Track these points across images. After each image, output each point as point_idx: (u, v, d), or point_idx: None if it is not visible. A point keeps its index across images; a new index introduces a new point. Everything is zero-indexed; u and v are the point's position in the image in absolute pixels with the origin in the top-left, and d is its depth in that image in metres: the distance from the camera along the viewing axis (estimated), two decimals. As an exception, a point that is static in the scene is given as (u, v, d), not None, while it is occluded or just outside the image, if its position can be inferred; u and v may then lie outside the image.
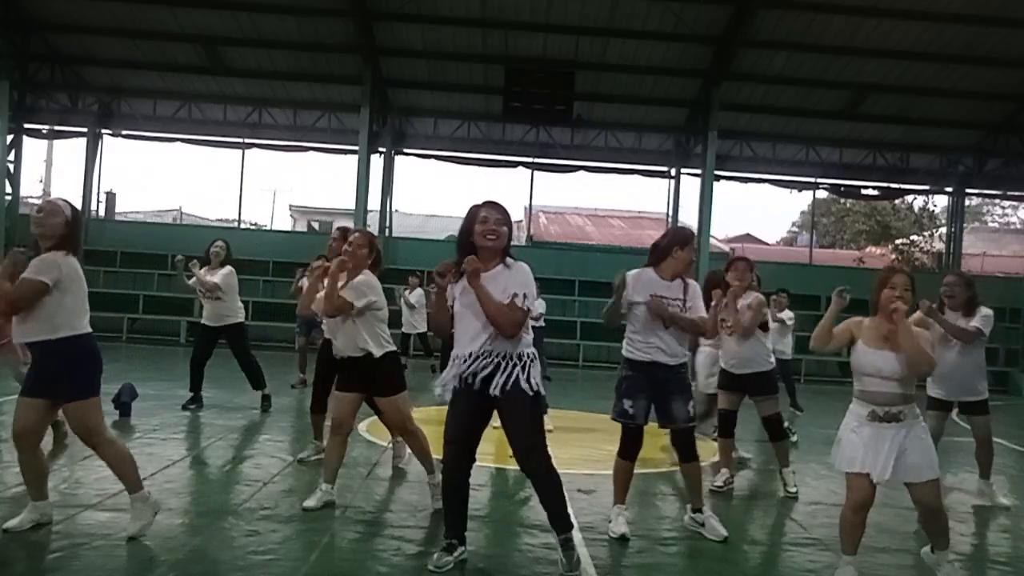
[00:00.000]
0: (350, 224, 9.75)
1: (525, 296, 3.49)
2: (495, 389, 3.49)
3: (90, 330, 3.78)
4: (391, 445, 5.73)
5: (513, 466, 5.71)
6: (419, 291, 12.26)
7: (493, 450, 5.80)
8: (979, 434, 5.58)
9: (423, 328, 12.42)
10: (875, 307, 3.66)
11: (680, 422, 4.24)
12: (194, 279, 7.49)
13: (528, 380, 3.52)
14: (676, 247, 4.28)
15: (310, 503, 4.46)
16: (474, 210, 3.62)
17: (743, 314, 5.33)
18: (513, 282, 3.52)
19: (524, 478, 5.36)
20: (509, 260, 3.60)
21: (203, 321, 7.72)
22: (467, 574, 3.60)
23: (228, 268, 7.60)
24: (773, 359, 5.64)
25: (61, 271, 3.62)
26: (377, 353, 4.49)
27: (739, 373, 5.44)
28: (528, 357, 3.57)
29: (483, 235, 3.54)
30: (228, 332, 7.67)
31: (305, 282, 9.52)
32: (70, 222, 3.73)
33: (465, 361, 3.56)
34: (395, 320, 11.58)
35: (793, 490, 5.46)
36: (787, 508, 5.20)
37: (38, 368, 3.72)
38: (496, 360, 3.52)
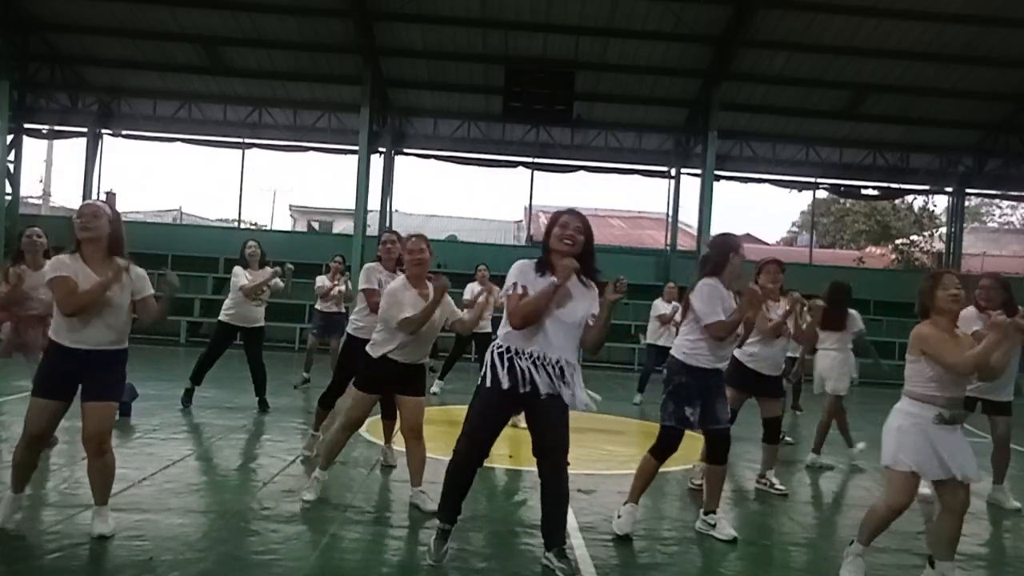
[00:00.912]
0: (350, 224, 9.76)
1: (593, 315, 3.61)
2: (546, 393, 3.49)
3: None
4: (385, 450, 5.71)
5: (513, 466, 5.74)
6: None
7: (493, 450, 5.80)
8: (999, 434, 5.54)
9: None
10: (926, 310, 3.63)
11: (724, 422, 4.28)
12: (249, 284, 7.49)
13: (578, 387, 3.58)
14: (731, 252, 4.33)
15: (309, 496, 4.51)
16: (556, 215, 3.65)
17: (799, 320, 5.35)
18: (592, 300, 3.62)
19: (523, 478, 5.39)
20: (585, 279, 3.64)
21: (229, 320, 7.63)
22: (467, 574, 3.60)
23: (267, 268, 7.69)
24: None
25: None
26: (426, 360, 4.64)
27: (766, 374, 5.42)
28: (577, 366, 3.63)
29: (560, 239, 3.56)
30: (253, 334, 7.68)
31: (324, 281, 9.58)
32: (113, 220, 3.79)
33: (529, 362, 3.50)
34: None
35: (782, 488, 5.46)
36: (787, 508, 5.20)
37: (78, 370, 3.65)
38: (561, 368, 3.54)
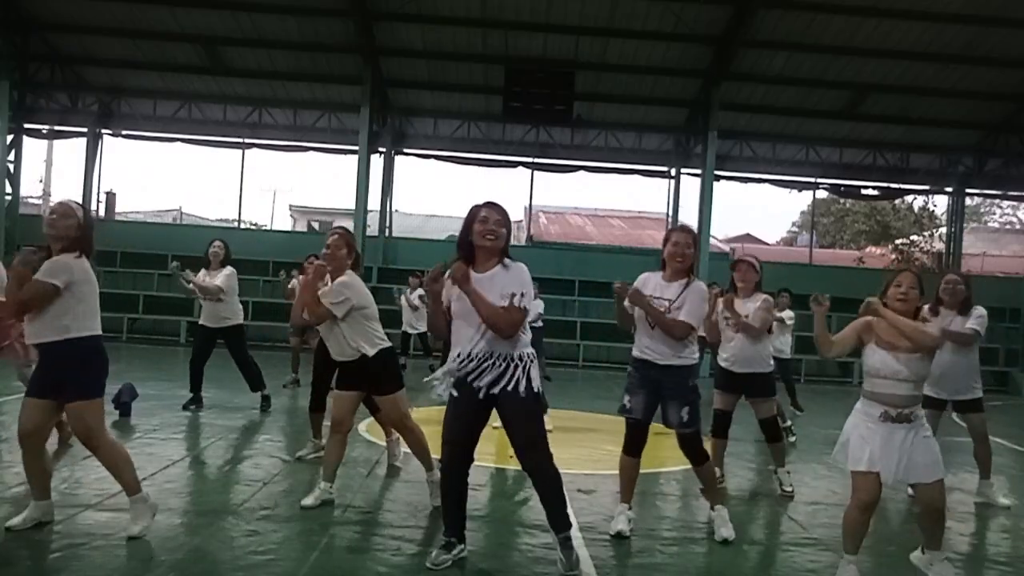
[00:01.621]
0: (350, 224, 9.77)
1: (523, 295, 3.49)
2: (496, 390, 3.50)
3: (99, 332, 3.80)
4: (389, 443, 5.73)
5: (513, 466, 5.72)
6: (420, 291, 12.27)
7: (493, 450, 5.81)
8: (976, 432, 5.59)
9: (423, 328, 12.43)
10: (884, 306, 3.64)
11: (673, 426, 4.25)
12: (192, 284, 7.47)
13: (528, 381, 3.53)
14: (664, 241, 4.35)
15: (308, 501, 4.48)
16: (474, 210, 3.63)
17: (755, 314, 5.31)
18: (511, 282, 3.52)
19: (524, 478, 5.37)
20: (507, 261, 3.60)
21: (202, 322, 7.67)
22: (467, 574, 3.60)
23: (229, 269, 7.57)
24: (773, 362, 5.64)
25: (73, 274, 3.63)
26: (370, 352, 4.51)
27: (739, 372, 5.41)
28: (528, 358, 3.58)
29: (482, 235, 3.55)
30: (227, 333, 7.64)
31: (296, 283, 9.56)
32: (82, 224, 3.73)
33: (463, 363, 3.56)
34: (395, 320, 11.68)
35: (789, 489, 5.46)
36: (787, 508, 5.20)
37: (46, 368, 3.71)
38: (495, 361, 3.53)
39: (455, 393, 3.59)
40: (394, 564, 3.70)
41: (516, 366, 3.53)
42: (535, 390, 3.55)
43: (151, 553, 3.57)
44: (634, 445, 4.35)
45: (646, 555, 4.06)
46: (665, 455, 6.27)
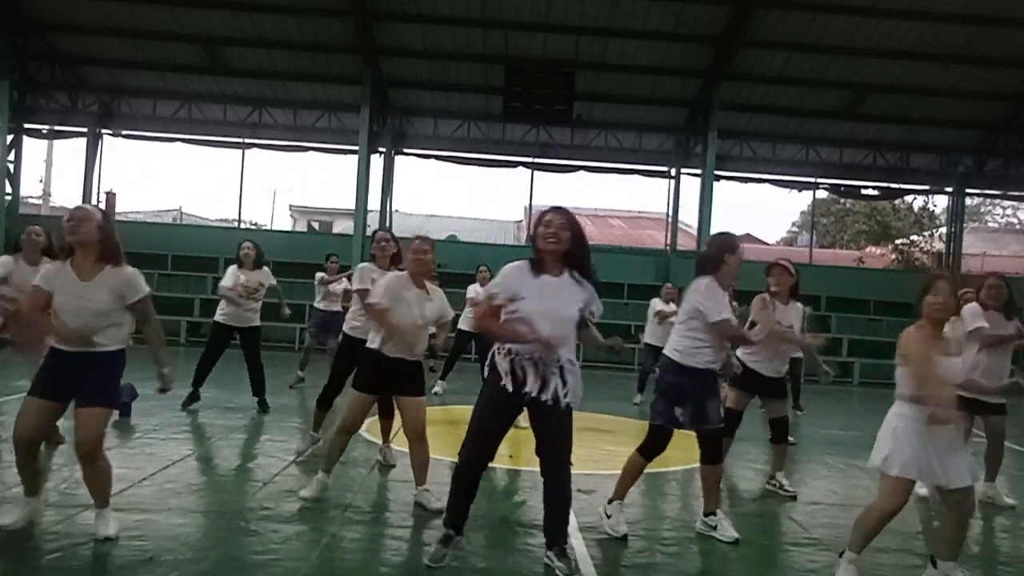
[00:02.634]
0: (350, 224, 9.76)
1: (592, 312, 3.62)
2: (549, 396, 3.49)
3: None
4: (383, 449, 5.72)
5: (512, 466, 5.74)
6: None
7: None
8: (993, 433, 5.56)
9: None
10: (918, 313, 3.64)
11: (715, 423, 4.25)
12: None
13: (576, 386, 3.58)
14: (727, 252, 4.30)
15: (307, 492, 4.52)
16: (541, 214, 3.66)
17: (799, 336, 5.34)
18: (588, 297, 3.61)
19: (523, 478, 5.39)
20: (576, 274, 3.61)
21: (224, 321, 7.63)
22: (467, 574, 3.60)
23: (266, 269, 7.73)
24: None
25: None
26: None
27: (761, 373, 5.36)
28: (572, 362, 3.61)
29: (544, 238, 3.56)
30: (248, 333, 7.67)
31: (345, 283, 9.54)
32: (103, 226, 3.72)
33: (539, 363, 3.50)
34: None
35: (792, 491, 5.46)
36: (787, 508, 5.20)
37: (66, 372, 3.65)
38: (565, 368, 3.55)
39: (500, 388, 3.51)
40: (394, 564, 3.70)
41: (575, 372, 3.58)
42: (572, 394, 3.58)
43: (151, 553, 3.57)
44: (657, 451, 4.35)
45: (646, 555, 4.06)
46: (665, 455, 6.26)
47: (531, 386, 3.48)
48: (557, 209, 3.62)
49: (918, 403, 3.50)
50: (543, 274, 3.56)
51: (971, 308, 5.26)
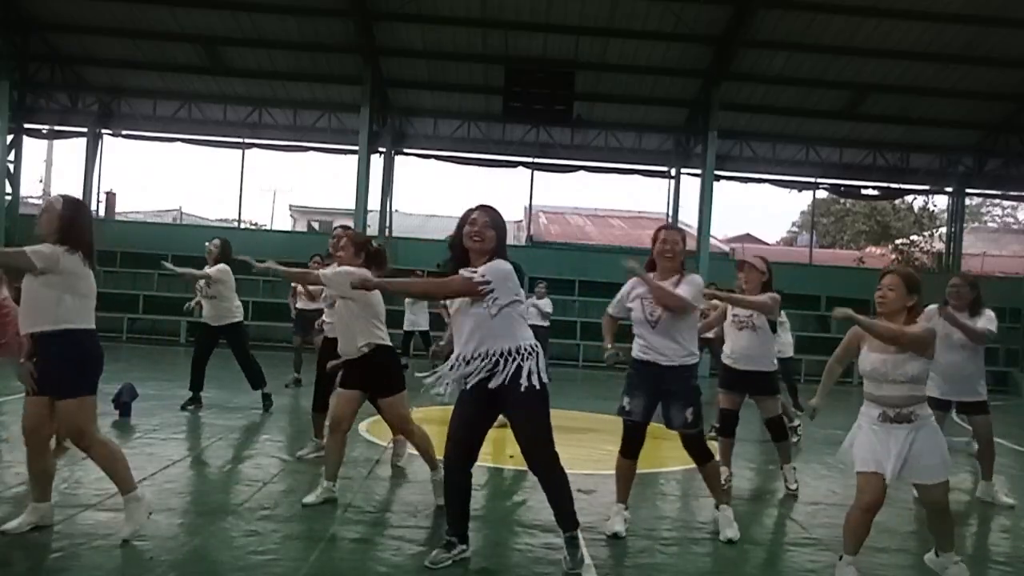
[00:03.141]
0: (350, 224, 9.79)
1: (484, 279, 3.51)
2: (493, 386, 3.52)
3: (92, 327, 3.75)
4: (391, 444, 5.74)
5: (512, 466, 5.74)
6: None
7: (491, 450, 5.80)
8: (980, 434, 5.62)
9: (424, 326, 12.47)
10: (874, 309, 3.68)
11: (676, 427, 4.22)
12: (180, 272, 7.59)
13: (529, 373, 3.52)
14: (653, 240, 4.34)
15: (310, 499, 4.51)
16: (466, 213, 3.68)
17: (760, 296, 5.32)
18: (484, 272, 3.57)
19: (523, 478, 5.39)
20: (494, 260, 3.61)
21: (204, 320, 7.72)
22: (467, 574, 3.60)
23: (223, 264, 7.61)
24: (776, 361, 5.64)
25: (56, 263, 3.57)
26: (373, 344, 4.56)
27: (742, 369, 5.39)
28: (527, 350, 3.57)
29: (469, 237, 3.61)
30: (228, 331, 7.67)
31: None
32: (63, 216, 3.66)
33: (464, 363, 3.60)
34: (397, 319, 11.68)
35: (794, 487, 5.47)
36: (787, 508, 5.20)
37: (39, 364, 3.69)
38: (494, 359, 3.54)
39: (461, 389, 3.62)
40: (394, 564, 3.70)
41: (515, 359, 3.53)
42: (535, 385, 3.53)
43: (151, 553, 3.57)
44: (631, 447, 4.34)
45: (646, 555, 4.06)
46: (665, 455, 6.28)
47: (472, 380, 3.57)
48: (484, 208, 3.67)
49: (869, 400, 3.58)
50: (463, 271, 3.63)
51: (928, 309, 5.26)
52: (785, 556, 4.25)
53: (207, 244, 7.74)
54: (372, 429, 6.76)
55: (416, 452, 4.90)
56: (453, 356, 3.66)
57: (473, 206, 3.69)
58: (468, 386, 3.58)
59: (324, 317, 5.66)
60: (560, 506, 3.63)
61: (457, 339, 3.66)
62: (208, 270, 7.53)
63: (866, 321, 3.51)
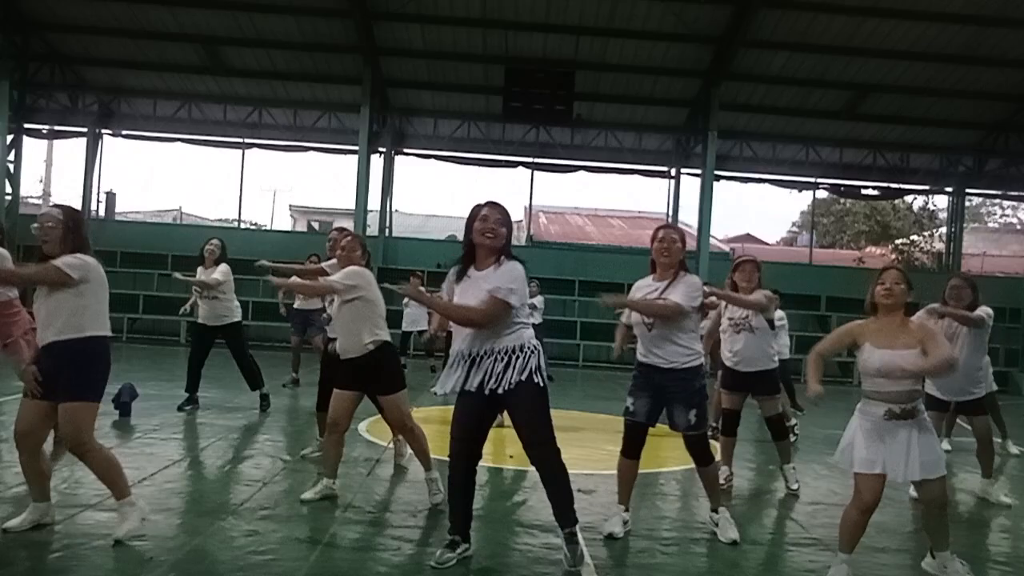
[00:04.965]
0: (350, 224, 9.81)
1: (510, 290, 3.51)
2: (497, 385, 3.52)
3: (109, 334, 3.80)
4: (391, 444, 5.74)
5: (511, 466, 5.74)
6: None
7: (491, 450, 5.80)
8: (979, 434, 5.63)
9: (424, 326, 12.46)
10: (873, 307, 3.66)
11: (680, 429, 4.22)
12: (193, 279, 7.52)
13: (530, 372, 3.54)
14: (652, 240, 4.36)
15: (308, 495, 4.55)
16: (476, 209, 3.68)
17: (756, 293, 5.33)
18: (498, 278, 3.55)
19: (523, 478, 5.39)
20: (503, 259, 3.63)
21: (200, 320, 7.68)
22: (467, 574, 3.60)
23: (224, 266, 7.60)
24: (777, 360, 5.65)
25: (90, 272, 3.67)
26: (379, 341, 4.60)
27: (744, 371, 5.42)
28: (529, 349, 3.59)
29: (481, 233, 3.60)
30: (226, 331, 7.66)
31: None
32: (64, 222, 3.72)
33: (464, 362, 3.61)
34: (396, 319, 11.70)
35: (795, 487, 5.48)
36: (787, 508, 5.20)
37: (45, 369, 3.68)
38: (495, 357, 3.55)
39: (463, 388, 3.61)
40: (394, 564, 3.70)
41: (518, 358, 3.55)
42: (536, 382, 3.55)
43: (151, 553, 3.57)
44: (633, 447, 4.34)
45: (646, 555, 4.06)
46: (665, 455, 6.28)
47: (468, 382, 3.57)
48: (493, 204, 3.68)
49: (871, 397, 3.56)
50: (471, 269, 3.65)
51: (930, 306, 5.29)
52: (785, 556, 4.25)
53: (206, 245, 7.70)
54: (372, 429, 6.76)
55: (409, 447, 4.91)
56: (456, 353, 3.65)
57: (481, 202, 3.69)
58: (473, 385, 3.57)
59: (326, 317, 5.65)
60: (560, 502, 3.63)
61: (459, 336, 3.65)
62: (214, 275, 7.50)
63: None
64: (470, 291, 3.59)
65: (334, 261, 5.52)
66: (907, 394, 3.52)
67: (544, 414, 3.63)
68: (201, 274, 7.57)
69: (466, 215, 3.72)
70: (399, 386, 4.68)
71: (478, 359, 3.57)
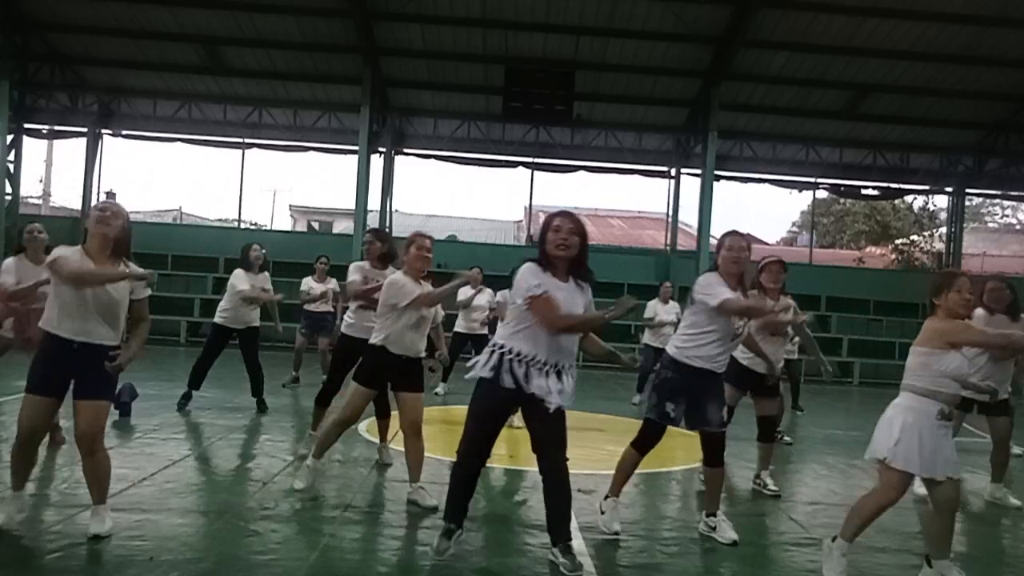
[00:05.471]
0: (350, 224, 9.82)
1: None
2: (546, 395, 3.50)
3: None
4: (381, 449, 5.72)
5: (511, 466, 5.74)
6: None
7: (493, 450, 5.80)
8: (998, 435, 5.56)
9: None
10: (935, 308, 3.63)
11: (713, 426, 4.22)
12: (262, 294, 7.70)
13: (572, 390, 3.62)
14: (720, 247, 4.33)
15: (300, 483, 4.65)
16: (548, 219, 3.67)
17: (780, 318, 5.30)
18: (587, 304, 3.65)
19: (523, 478, 5.39)
20: (582, 283, 3.66)
21: (224, 323, 7.63)
22: (467, 574, 3.60)
23: (266, 274, 7.84)
24: (783, 362, 5.67)
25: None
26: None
27: (756, 371, 5.38)
28: (575, 367, 3.67)
29: (555, 245, 3.58)
30: (243, 335, 7.67)
31: (332, 285, 9.71)
32: (126, 226, 3.82)
33: (532, 365, 3.53)
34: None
35: (775, 489, 5.45)
36: (787, 508, 5.20)
37: (62, 366, 3.66)
38: (562, 371, 3.58)
39: (492, 385, 3.54)
40: (393, 564, 3.70)
41: (569, 374, 3.61)
42: (565, 396, 3.60)
43: (151, 553, 3.57)
44: (648, 444, 4.35)
45: (646, 555, 4.06)
46: (665, 455, 6.27)
47: (532, 386, 3.50)
48: (566, 214, 3.65)
49: (929, 396, 3.51)
50: (550, 276, 3.61)
51: (977, 313, 5.21)
52: (785, 556, 4.25)
53: (251, 252, 7.74)
54: (372, 429, 6.75)
55: (406, 452, 4.81)
56: (519, 352, 3.53)
57: (553, 213, 3.69)
58: (532, 389, 3.50)
59: (347, 316, 5.65)
60: (560, 514, 3.62)
61: (528, 339, 3.54)
62: (276, 294, 7.87)
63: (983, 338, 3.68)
64: (566, 300, 3.54)
65: (365, 264, 5.61)
66: (959, 396, 3.59)
67: (565, 423, 3.65)
68: (249, 280, 7.61)
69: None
70: (423, 385, 4.76)
71: (547, 366, 3.54)
